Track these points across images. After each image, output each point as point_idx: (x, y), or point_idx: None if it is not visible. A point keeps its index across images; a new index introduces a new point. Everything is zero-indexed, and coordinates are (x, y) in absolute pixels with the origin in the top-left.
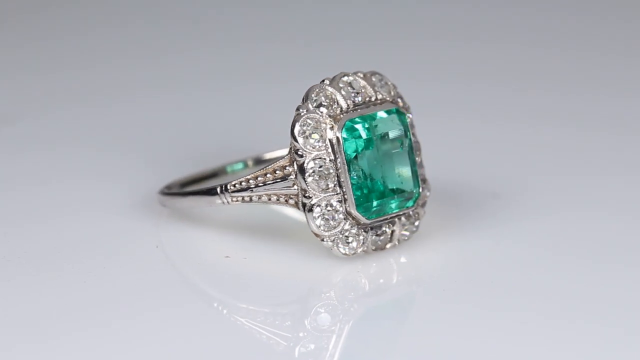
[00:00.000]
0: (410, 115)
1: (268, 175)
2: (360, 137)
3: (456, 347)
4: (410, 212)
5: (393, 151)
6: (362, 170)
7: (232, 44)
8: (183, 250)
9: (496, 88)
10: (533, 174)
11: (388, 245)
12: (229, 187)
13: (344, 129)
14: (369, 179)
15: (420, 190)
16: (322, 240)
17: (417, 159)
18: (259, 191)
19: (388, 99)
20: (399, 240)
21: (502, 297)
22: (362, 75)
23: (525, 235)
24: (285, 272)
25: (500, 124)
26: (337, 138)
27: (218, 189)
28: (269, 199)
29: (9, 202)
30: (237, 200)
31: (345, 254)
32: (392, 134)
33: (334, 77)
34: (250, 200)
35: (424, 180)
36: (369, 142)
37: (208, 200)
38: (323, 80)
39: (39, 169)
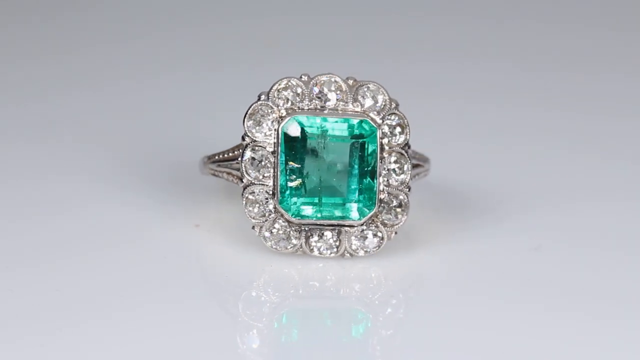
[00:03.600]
0: (399, 136)
1: (230, 154)
2: (303, 136)
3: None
4: (369, 229)
5: (337, 161)
6: (298, 169)
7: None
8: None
9: (495, 84)
10: (531, 173)
11: (332, 254)
12: (210, 157)
13: (287, 125)
14: (305, 180)
15: (380, 209)
16: (252, 227)
17: (384, 179)
18: (221, 167)
19: (370, 112)
20: (350, 254)
21: (500, 296)
22: (351, 82)
23: (522, 234)
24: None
25: (498, 123)
26: (277, 131)
27: (206, 159)
28: (227, 177)
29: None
30: (211, 173)
31: (271, 246)
32: (339, 145)
33: (315, 76)
34: (217, 175)
35: (401, 205)
36: (312, 144)
37: (201, 168)
38: (301, 76)
39: (28, 162)
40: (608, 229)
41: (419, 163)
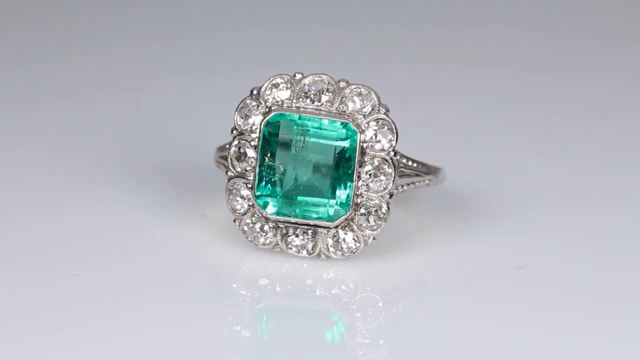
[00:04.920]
0: (386, 141)
1: (226, 146)
2: (283, 134)
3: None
4: (344, 232)
5: (315, 161)
6: (276, 165)
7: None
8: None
9: (491, 84)
10: (530, 175)
11: (307, 254)
12: (220, 147)
13: (268, 121)
14: (282, 177)
15: (356, 213)
16: (234, 220)
17: (363, 183)
18: (222, 158)
19: (355, 115)
20: (326, 255)
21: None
22: (342, 84)
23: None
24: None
25: (496, 122)
26: (259, 126)
27: (216, 149)
28: (224, 168)
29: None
30: (216, 163)
31: (250, 241)
32: (318, 145)
33: (308, 75)
34: (219, 165)
35: (378, 211)
36: (291, 142)
37: (214, 158)
38: (295, 74)
39: (29, 164)
40: (607, 231)
41: (417, 173)
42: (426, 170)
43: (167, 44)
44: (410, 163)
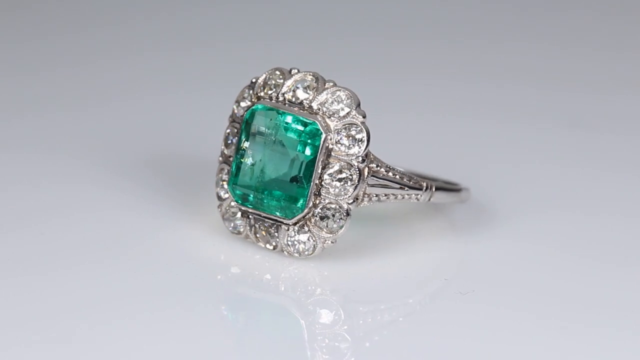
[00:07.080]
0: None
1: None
2: (256, 125)
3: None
4: (302, 231)
5: (282, 157)
6: (249, 156)
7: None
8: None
9: (489, 86)
10: (526, 175)
11: (271, 248)
12: None
13: (250, 111)
14: (253, 169)
15: (313, 215)
16: (218, 207)
17: (325, 184)
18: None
19: (328, 117)
20: (288, 252)
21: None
22: (328, 85)
23: (506, 239)
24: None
25: (494, 124)
26: (240, 116)
27: None
28: None
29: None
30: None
31: (227, 227)
32: (287, 141)
33: (303, 72)
34: None
35: (336, 214)
36: (262, 135)
37: None
38: (290, 70)
39: (33, 170)
40: (605, 238)
41: (401, 185)
42: (414, 184)
43: (168, 48)
44: (390, 174)
